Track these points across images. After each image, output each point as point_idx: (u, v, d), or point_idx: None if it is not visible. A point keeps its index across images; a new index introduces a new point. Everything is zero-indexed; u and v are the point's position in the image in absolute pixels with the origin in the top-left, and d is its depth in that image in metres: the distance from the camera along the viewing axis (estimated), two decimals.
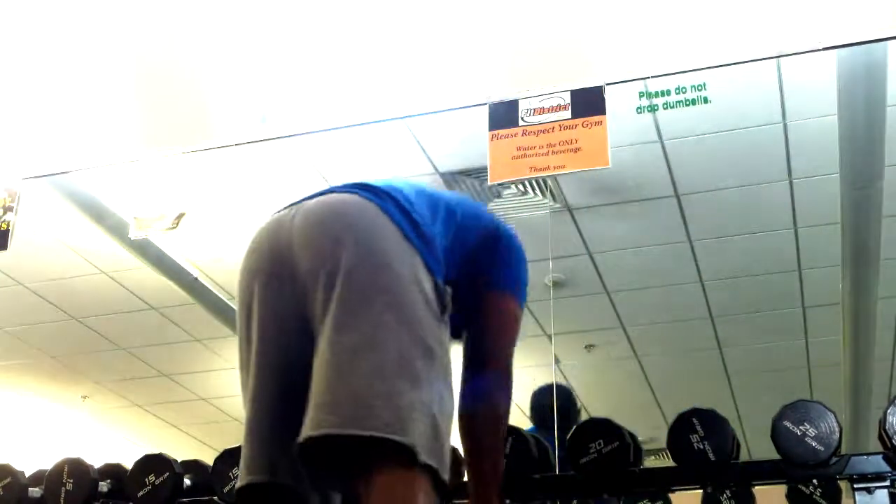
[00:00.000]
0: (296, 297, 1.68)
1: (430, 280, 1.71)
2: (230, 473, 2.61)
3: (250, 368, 1.73)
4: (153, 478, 2.70)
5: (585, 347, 6.38)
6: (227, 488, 2.62)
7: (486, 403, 1.93)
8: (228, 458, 2.66)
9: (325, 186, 1.89)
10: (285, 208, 1.81)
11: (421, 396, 1.58)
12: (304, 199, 1.80)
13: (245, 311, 1.77)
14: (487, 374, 1.94)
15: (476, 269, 1.94)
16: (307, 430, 1.56)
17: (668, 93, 2.93)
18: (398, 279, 1.65)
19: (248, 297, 1.77)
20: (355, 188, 1.78)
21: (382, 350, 1.58)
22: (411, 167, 4.54)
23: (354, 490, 1.60)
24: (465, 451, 1.96)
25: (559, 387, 3.25)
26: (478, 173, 4.51)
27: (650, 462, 2.77)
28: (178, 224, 3.25)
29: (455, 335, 1.92)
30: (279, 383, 1.70)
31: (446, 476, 1.61)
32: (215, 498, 2.68)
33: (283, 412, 1.67)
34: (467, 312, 1.92)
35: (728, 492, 2.38)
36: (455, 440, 1.81)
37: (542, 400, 3.95)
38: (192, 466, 2.84)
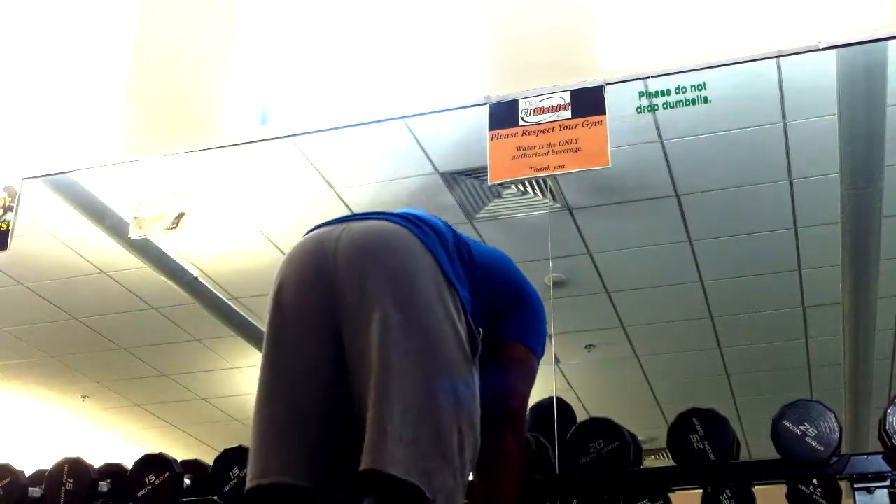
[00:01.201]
0: (332, 314, 1.73)
1: (463, 319, 1.77)
2: (230, 473, 2.62)
3: (274, 371, 1.76)
4: (153, 478, 2.70)
5: (585, 347, 6.37)
6: (227, 488, 2.62)
7: (501, 453, 1.96)
8: (228, 458, 2.66)
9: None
10: (328, 225, 1.84)
11: (445, 444, 1.65)
12: (348, 219, 1.84)
13: (277, 315, 1.80)
14: (504, 423, 1.97)
15: (499, 322, 1.99)
16: (366, 464, 1.60)
17: (668, 93, 2.93)
18: (435, 320, 1.71)
19: (282, 304, 1.79)
20: (399, 218, 1.83)
21: (418, 395, 1.64)
22: (411, 167, 4.54)
23: None
24: (476, 495, 1.98)
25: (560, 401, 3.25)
26: (478, 173, 4.50)
27: (650, 462, 2.77)
28: (178, 224, 3.25)
29: None
30: (302, 390, 1.73)
31: None
32: (215, 498, 2.68)
33: (305, 417, 1.71)
34: (484, 363, 1.95)
35: (728, 492, 2.37)
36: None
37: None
38: (192, 466, 2.84)
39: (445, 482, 1.63)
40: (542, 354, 2.07)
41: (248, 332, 5.78)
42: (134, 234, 3.32)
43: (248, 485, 1.72)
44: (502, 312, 2.00)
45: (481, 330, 1.82)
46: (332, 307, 1.73)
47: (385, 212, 1.87)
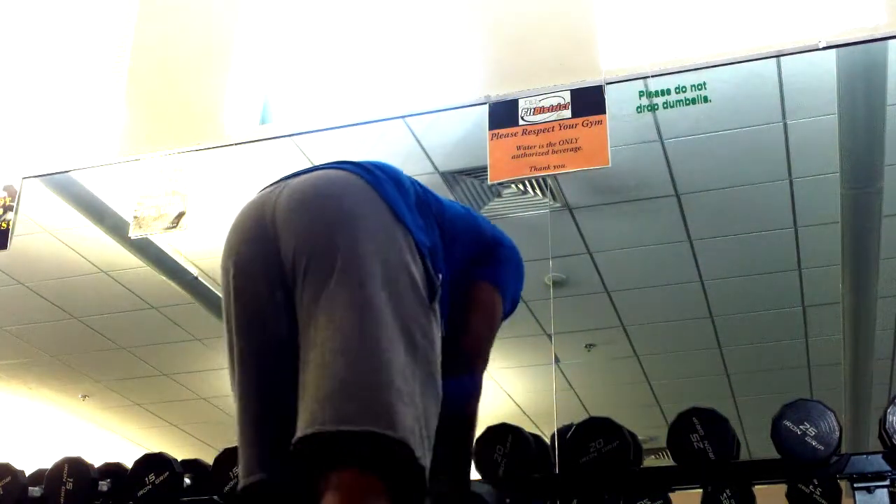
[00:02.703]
0: (279, 280, 1.60)
1: (419, 262, 1.62)
2: (230, 473, 2.62)
3: (235, 356, 1.66)
4: (153, 477, 2.70)
5: (585, 347, 6.37)
6: (227, 488, 2.62)
7: (467, 396, 1.86)
8: (228, 457, 2.66)
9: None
10: (271, 185, 1.73)
11: (405, 389, 1.50)
12: (291, 176, 1.71)
13: (227, 291, 1.69)
14: (469, 367, 1.87)
15: (470, 267, 1.89)
16: (302, 429, 1.47)
17: (668, 92, 2.93)
18: (385, 265, 1.56)
19: (228, 278, 1.68)
20: (345, 164, 1.71)
21: (368, 343, 1.49)
22: (411, 167, 4.53)
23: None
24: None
25: None
26: (478, 173, 4.51)
27: (650, 462, 2.77)
28: (178, 224, 3.25)
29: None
30: (264, 373, 1.62)
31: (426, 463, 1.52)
32: (215, 497, 2.68)
33: (273, 405, 1.59)
34: (453, 306, 1.85)
35: (728, 491, 2.37)
36: None
37: None
38: (192, 466, 2.84)
39: (408, 423, 1.47)
40: (511, 305, 1.96)
41: None
42: (134, 233, 3.32)
43: (240, 484, 1.64)
44: (478, 261, 1.91)
45: (441, 274, 1.67)
46: (277, 274, 1.59)
47: (333, 162, 1.74)
